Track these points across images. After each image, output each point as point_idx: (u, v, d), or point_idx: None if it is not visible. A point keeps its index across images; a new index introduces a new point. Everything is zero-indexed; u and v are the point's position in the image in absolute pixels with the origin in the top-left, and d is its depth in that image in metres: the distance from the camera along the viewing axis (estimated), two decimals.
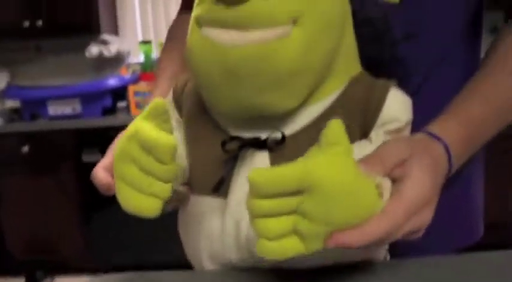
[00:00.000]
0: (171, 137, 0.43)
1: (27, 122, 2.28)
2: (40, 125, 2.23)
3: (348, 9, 0.49)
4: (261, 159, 0.49)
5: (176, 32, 0.74)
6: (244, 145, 0.48)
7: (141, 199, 0.46)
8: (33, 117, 2.29)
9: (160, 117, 0.44)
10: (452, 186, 0.49)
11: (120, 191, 0.46)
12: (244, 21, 0.42)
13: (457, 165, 0.51)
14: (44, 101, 2.25)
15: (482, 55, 0.67)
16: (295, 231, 0.39)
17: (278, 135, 0.47)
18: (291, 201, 0.38)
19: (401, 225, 0.41)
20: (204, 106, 0.53)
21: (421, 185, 0.42)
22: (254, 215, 0.39)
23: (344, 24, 0.47)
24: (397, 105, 0.48)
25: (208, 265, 0.57)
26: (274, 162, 0.49)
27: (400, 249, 0.61)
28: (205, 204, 0.53)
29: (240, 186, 0.51)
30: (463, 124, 0.52)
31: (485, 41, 0.79)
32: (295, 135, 0.48)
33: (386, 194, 0.41)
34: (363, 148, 0.46)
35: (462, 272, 0.54)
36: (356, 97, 0.48)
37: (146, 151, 0.43)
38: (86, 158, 2.17)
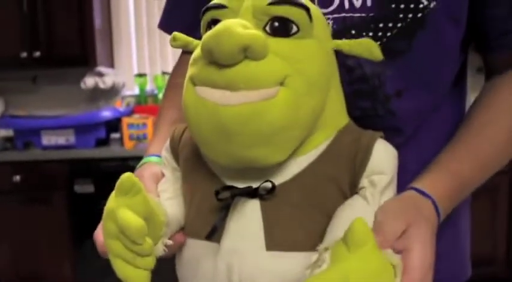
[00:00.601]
0: (139, 220, 0.46)
1: (20, 151, 2.30)
2: (33, 154, 2.24)
3: (334, 67, 0.52)
4: (252, 207, 0.51)
5: (178, 76, 0.74)
6: (236, 194, 0.51)
7: (130, 270, 0.49)
8: (26, 146, 2.31)
9: (129, 192, 0.46)
10: (441, 232, 0.52)
11: (113, 262, 0.49)
12: (234, 82, 0.44)
13: (443, 217, 0.53)
14: (38, 131, 2.27)
15: (468, 96, 0.71)
16: None
17: (268, 185, 0.50)
18: None
19: None
20: (200, 155, 0.56)
21: (424, 256, 0.45)
22: None
23: (330, 82, 0.50)
24: (384, 155, 0.51)
25: None
26: (264, 210, 0.51)
27: None
28: (199, 248, 0.56)
29: (232, 233, 0.53)
30: (452, 179, 0.55)
31: (472, 80, 0.80)
32: (285, 184, 0.51)
33: (399, 272, 0.44)
34: (362, 208, 0.49)
35: None
36: (344, 147, 0.51)
37: (122, 233, 0.46)
38: (78, 188, 2.18)
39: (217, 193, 0.51)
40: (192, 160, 0.57)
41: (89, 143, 2.24)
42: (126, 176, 0.46)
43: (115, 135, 2.31)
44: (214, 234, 0.52)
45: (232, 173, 0.53)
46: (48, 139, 2.27)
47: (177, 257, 0.63)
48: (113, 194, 0.48)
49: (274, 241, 0.52)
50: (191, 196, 0.57)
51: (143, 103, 2.56)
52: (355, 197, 0.51)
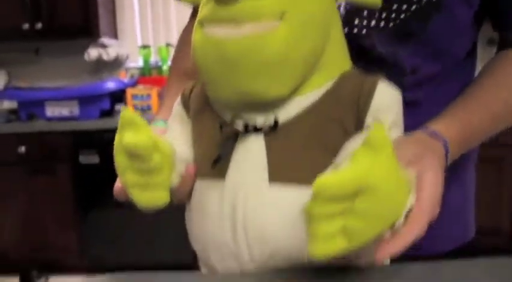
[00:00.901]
0: (144, 135, 0.47)
1: (24, 122, 2.29)
2: (37, 126, 2.24)
3: (333, 9, 0.54)
4: (256, 142, 0.54)
5: (185, 41, 0.79)
6: (241, 130, 0.53)
7: (149, 195, 0.51)
8: (30, 118, 2.31)
9: (132, 125, 0.48)
10: (449, 187, 0.54)
11: (131, 194, 0.51)
12: (237, 17, 0.48)
13: (450, 162, 0.55)
14: (42, 102, 2.26)
15: (477, 68, 0.72)
16: (342, 230, 0.43)
17: (271, 120, 0.53)
18: (346, 203, 0.42)
19: (426, 223, 0.46)
20: (208, 104, 0.58)
21: (435, 186, 0.47)
22: (314, 220, 0.42)
23: (330, 22, 0.53)
24: (387, 94, 0.52)
25: (213, 255, 0.60)
26: (268, 145, 0.54)
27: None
28: (205, 188, 0.58)
29: (236, 167, 0.56)
30: (462, 127, 0.57)
31: (482, 51, 0.84)
32: (289, 122, 0.53)
33: (413, 190, 0.46)
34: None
35: (461, 277, 0.56)
36: (347, 90, 0.53)
37: (132, 157, 0.48)
38: (83, 159, 2.18)
39: (221, 127, 0.54)
40: (201, 109, 0.60)
41: (93, 114, 2.24)
42: (126, 110, 0.47)
43: (119, 106, 2.30)
44: (218, 162, 0.54)
45: (237, 113, 0.55)
46: (52, 110, 2.26)
47: (186, 211, 0.64)
48: (117, 133, 0.49)
49: (277, 174, 0.54)
50: (199, 141, 0.59)
51: (147, 75, 2.54)
52: (360, 134, 0.52)
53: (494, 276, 0.55)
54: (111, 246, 2.23)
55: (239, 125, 0.54)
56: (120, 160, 0.49)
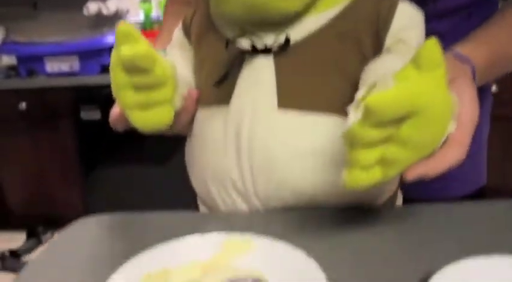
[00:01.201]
0: (143, 46, 0.44)
1: (23, 78, 2.25)
2: (37, 81, 2.20)
3: None
4: (265, 64, 0.50)
5: None
6: (247, 50, 0.50)
7: (151, 113, 0.48)
8: (30, 74, 2.26)
9: (129, 38, 0.45)
10: None
11: (132, 117, 0.48)
12: None
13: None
14: (41, 58, 2.21)
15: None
16: (381, 159, 0.41)
17: (282, 38, 0.49)
18: (391, 128, 0.39)
19: (467, 149, 0.44)
20: (211, 27, 0.55)
21: (474, 106, 0.46)
22: (359, 145, 0.39)
23: None
24: (409, 15, 0.49)
25: (212, 188, 0.57)
26: (278, 66, 0.50)
27: (412, 194, 0.63)
28: (208, 115, 0.54)
29: (242, 91, 0.52)
30: (489, 53, 0.55)
31: None
32: (300, 44, 0.50)
33: (455, 115, 0.43)
34: (390, 62, 0.47)
35: (472, 218, 0.54)
36: (364, 9, 0.49)
37: (131, 71, 0.45)
38: (85, 115, 2.15)
39: (227, 45, 0.50)
40: (204, 33, 0.56)
41: (94, 70, 2.19)
42: (122, 24, 0.44)
43: None
44: (224, 81, 0.51)
45: (245, 32, 0.51)
46: (51, 66, 2.21)
47: (187, 143, 0.62)
48: (114, 48, 0.47)
49: (287, 99, 0.50)
50: (202, 67, 0.55)
51: (148, 29, 2.47)
52: (383, 55, 0.48)
53: (505, 218, 0.53)
54: (115, 202, 2.23)
55: (246, 44, 0.49)
56: (118, 77, 0.46)
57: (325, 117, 0.51)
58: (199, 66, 0.57)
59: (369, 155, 0.40)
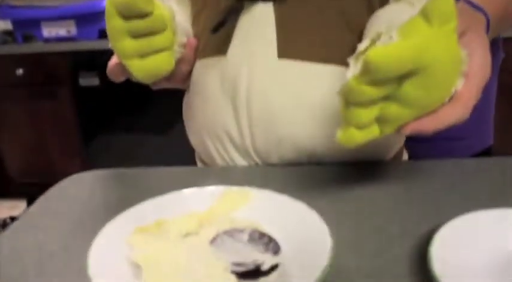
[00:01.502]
0: None
1: (20, 44, 2.20)
2: (34, 47, 2.15)
3: None
4: (264, 11, 0.48)
5: None
6: None
7: (152, 61, 0.46)
8: (27, 39, 2.21)
9: None
10: None
11: (131, 67, 0.46)
12: None
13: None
14: (38, 22, 2.16)
15: None
16: (379, 117, 0.39)
17: None
18: (392, 85, 0.36)
19: (471, 108, 0.41)
20: None
21: (486, 62, 0.42)
22: (355, 103, 0.37)
23: None
24: None
25: (209, 143, 0.55)
26: (278, 16, 0.48)
27: (417, 153, 0.61)
28: (206, 66, 0.53)
29: (240, 41, 0.50)
30: (501, 3, 0.52)
31: None
32: None
33: (463, 72, 0.40)
34: (398, 11, 0.44)
35: (479, 173, 0.53)
36: None
37: (128, 16, 0.43)
38: (83, 82, 2.11)
39: None
40: None
41: (92, 35, 2.13)
42: None
43: None
44: (221, 27, 0.49)
45: None
46: (48, 31, 2.16)
47: (184, 98, 0.60)
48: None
49: (287, 49, 0.48)
50: (199, 18, 0.53)
51: None
52: (391, 3, 0.45)
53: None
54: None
55: None
56: (114, 24, 0.44)
57: (328, 68, 0.48)
58: (196, 17, 0.55)
59: (365, 114, 0.38)
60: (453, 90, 0.40)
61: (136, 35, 0.44)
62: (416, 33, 0.35)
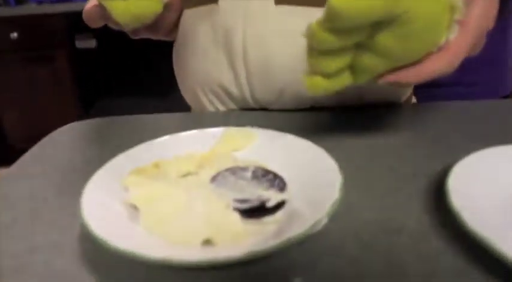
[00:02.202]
0: None
1: (12, 6, 2.14)
2: (28, 9, 2.09)
3: None
4: None
5: None
6: None
7: (136, 2, 0.42)
8: (20, 1, 2.15)
9: None
10: (490, 36, 0.44)
11: (112, 8, 0.42)
12: None
13: None
14: None
15: None
16: (351, 65, 0.35)
17: None
18: (361, 34, 0.33)
19: (460, 59, 0.36)
20: None
21: (486, 13, 0.37)
22: (317, 50, 0.33)
23: None
24: None
25: (203, 98, 0.53)
26: None
27: (426, 100, 0.59)
28: (195, 16, 0.49)
29: None
30: None
31: None
32: None
33: (458, 15, 0.35)
34: None
35: (490, 114, 0.50)
36: None
37: None
38: (80, 44, 2.06)
39: None
40: None
41: None
42: None
43: None
44: None
45: None
46: None
47: (174, 50, 0.57)
48: None
49: None
50: None
51: None
52: None
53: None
54: None
55: None
56: None
57: None
58: None
59: (331, 63, 0.34)
60: (442, 40, 0.35)
61: None
62: None
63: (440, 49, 0.36)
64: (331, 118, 0.50)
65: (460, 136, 0.45)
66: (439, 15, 0.34)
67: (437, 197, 0.35)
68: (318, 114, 0.51)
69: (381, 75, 0.36)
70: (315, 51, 0.34)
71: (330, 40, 0.32)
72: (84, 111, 2.21)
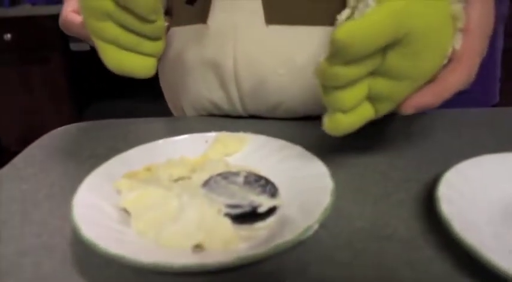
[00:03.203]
0: None
1: (6, 7, 2.13)
2: (22, 10, 2.08)
3: None
4: None
5: None
6: None
7: (132, 59, 0.40)
8: (13, 2, 2.14)
9: None
10: None
11: (105, 52, 0.39)
12: None
13: None
14: None
15: None
16: (369, 95, 0.34)
17: None
18: (373, 61, 0.32)
19: (477, 65, 0.36)
20: None
21: (487, 13, 0.37)
22: (331, 87, 0.32)
23: None
24: None
25: (190, 110, 0.53)
26: None
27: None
28: (182, 35, 0.49)
29: (221, 8, 0.47)
30: None
31: None
32: None
33: (459, 24, 0.35)
34: None
35: (484, 122, 0.51)
36: None
37: (121, 6, 0.37)
38: (74, 46, 2.06)
39: None
40: None
41: None
42: None
43: None
44: None
45: None
46: None
47: (160, 66, 0.56)
48: None
49: (275, 14, 0.45)
50: None
51: None
52: None
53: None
54: None
55: None
56: (100, 3, 0.37)
57: (316, 29, 0.45)
58: None
59: (349, 96, 0.33)
60: (449, 50, 0.35)
61: (126, 29, 0.39)
62: None
63: (451, 62, 0.36)
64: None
65: (452, 143, 0.46)
66: (445, 25, 0.34)
67: (428, 203, 0.35)
68: (310, 121, 0.51)
69: (403, 103, 0.35)
70: (329, 88, 0.33)
71: (343, 73, 0.31)
72: (78, 113, 2.21)
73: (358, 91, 0.33)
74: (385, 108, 0.35)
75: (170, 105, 0.59)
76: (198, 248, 0.29)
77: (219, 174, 0.34)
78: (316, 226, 0.28)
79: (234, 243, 0.28)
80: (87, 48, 2.03)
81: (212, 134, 0.41)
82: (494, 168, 0.36)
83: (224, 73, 0.48)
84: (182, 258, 0.27)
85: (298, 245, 0.28)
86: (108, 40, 0.39)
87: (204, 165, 0.37)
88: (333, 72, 0.31)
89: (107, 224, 0.31)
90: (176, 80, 0.52)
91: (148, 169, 0.37)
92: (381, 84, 0.34)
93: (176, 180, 0.36)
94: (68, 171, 0.44)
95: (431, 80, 0.35)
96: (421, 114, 0.53)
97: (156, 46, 0.41)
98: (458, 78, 0.35)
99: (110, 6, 0.37)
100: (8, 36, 2.09)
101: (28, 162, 0.47)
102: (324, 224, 0.29)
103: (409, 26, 0.31)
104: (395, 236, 0.31)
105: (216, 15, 0.47)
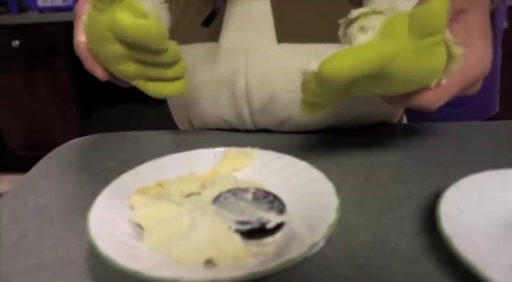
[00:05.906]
0: (150, 22, 0.39)
1: (15, 14, 2.16)
2: (30, 17, 2.11)
3: None
4: None
5: None
6: None
7: (164, 86, 0.45)
8: (22, 9, 2.17)
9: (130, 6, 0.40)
10: None
11: (139, 86, 0.45)
12: None
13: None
14: None
15: None
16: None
17: None
18: (350, 86, 0.36)
19: (444, 101, 0.38)
20: None
21: (483, 57, 0.38)
22: (307, 103, 0.38)
23: None
24: None
25: (199, 125, 0.54)
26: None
27: (418, 120, 0.60)
28: (195, 53, 0.50)
29: (233, 28, 0.48)
30: None
31: None
32: None
33: (459, 61, 0.37)
34: None
35: (485, 136, 0.52)
36: None
37: (134, 48, 0.40)
38: None
39: None
40: None
41: None
42: None
43: None
44: (212, 20, 0.45)
45: None
46: (43, 0, 2.12)
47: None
48: (91, 12, 0.40)
49: (287, 33, 0.46)
50: (187, 9, 0.50)
51: None
52: None
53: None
54: None
55: None
56: (114, 48, 0.40)
57: (328, 46, 0.46)
58: (181, 5, 0.52)
59: (324, 105, 0.38)
60: (433, 84, 0.37)
61: (145, 64, 0.42)
62: (393, 37, 0.32)
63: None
64: (328, 139, 0.52)
65: (454, 157, 0.47)
66: (424, 78, 0.35)
67: (430, 219, 0.36)
68: (315, 135, 0.53)
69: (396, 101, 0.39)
70: (309, 96, 0.37)
71: (323, 95, 0.36)
72: (83, 118, 2.23)
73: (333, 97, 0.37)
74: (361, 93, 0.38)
75: (176, 118, 0.60)
76: (209, 263, 0.30)
77: (229, 191, 0.36)
78: (322, 242, 0.29)
79: (244, 259, 0.30)
80: None
81: (221, 150, 0.43)
82: (495, 184, 0.37)
83: (236, 91, 0.49)
84: (194, 273, 0.28)
85: (305, 260, 0.29)
86: (134, 78, 0.42)
87: (213, 181, 0.38)
88: (316, 93, 0.35)
89: (122, 239, 0.32)
90: (184, 97, 0.54)
91: (160, 185, 0.38)
92: (355, 93, 0.37)
93: (187, 196, 0.37)
94: (82, 185, 0.45)
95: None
96: (423, 127, 0.55)
97: (179, 69, 0.44)
98: (425, 100, 0.37)
99: (123, 50, 0.40)
100: (16, 42, 2.11)
101: (42, 176, 0.48)
102: (329, 239, 0.30)
103: (389, 71, 0.32)
104: (398, 252, 0.32)
105: (228, 34, 0.48)
